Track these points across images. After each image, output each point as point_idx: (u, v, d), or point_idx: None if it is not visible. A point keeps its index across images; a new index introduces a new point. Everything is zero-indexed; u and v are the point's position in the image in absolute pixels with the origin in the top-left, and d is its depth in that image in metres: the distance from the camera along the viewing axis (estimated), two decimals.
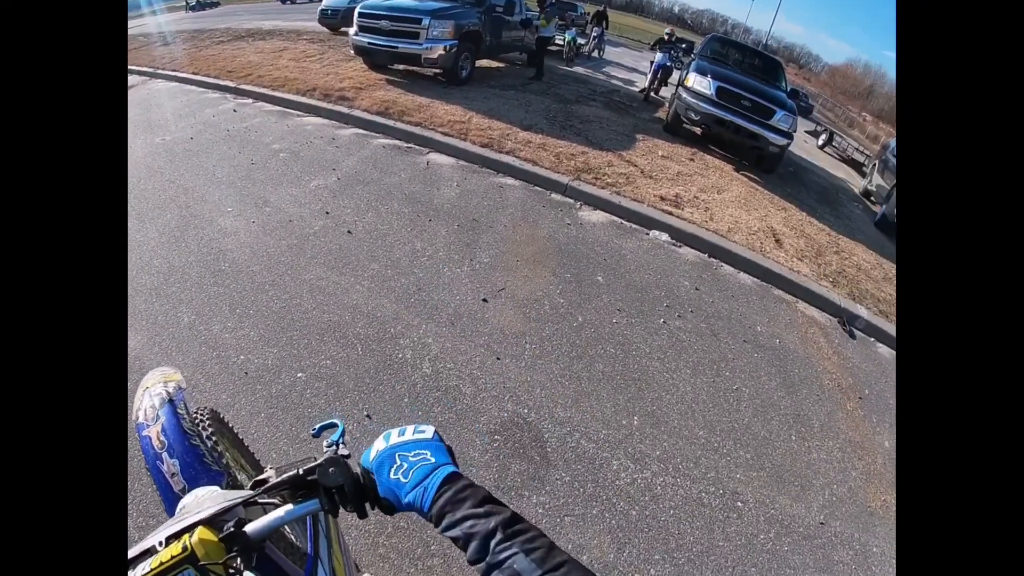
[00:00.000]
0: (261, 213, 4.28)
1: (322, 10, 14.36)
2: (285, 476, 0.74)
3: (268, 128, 6.24)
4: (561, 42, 13.64)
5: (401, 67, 8.30)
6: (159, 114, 7.17)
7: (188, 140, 5.93)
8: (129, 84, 9.14)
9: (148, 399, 1.26)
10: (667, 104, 10.16)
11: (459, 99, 7.28)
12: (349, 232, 4.03)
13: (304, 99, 6.83)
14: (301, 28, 13.53)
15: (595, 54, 16.77)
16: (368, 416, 2.56)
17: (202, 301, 3.29)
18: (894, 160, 8.79)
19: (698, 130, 7.91)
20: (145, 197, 4.68)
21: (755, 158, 7.77)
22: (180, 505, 0.98)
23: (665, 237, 4.97)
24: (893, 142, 10.88)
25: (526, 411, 2.76)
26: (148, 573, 0.64)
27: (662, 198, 5.46)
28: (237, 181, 4.84)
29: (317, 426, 0.90)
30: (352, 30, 7.96)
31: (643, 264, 4.38)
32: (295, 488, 0.75)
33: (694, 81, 7.53)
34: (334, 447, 0.78)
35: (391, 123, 6.07)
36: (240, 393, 2.65)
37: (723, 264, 4.78)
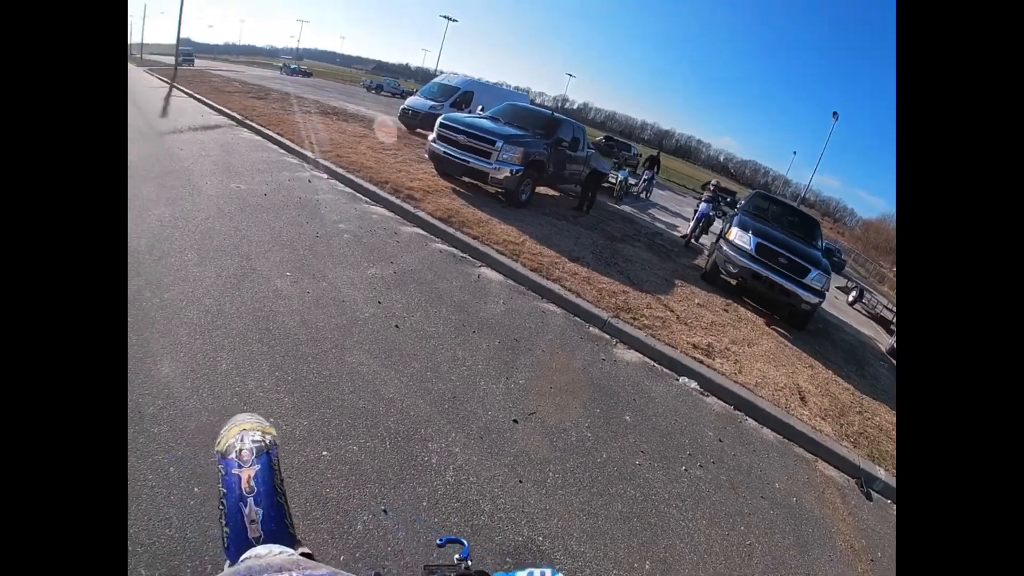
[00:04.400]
0: (317, 286, 4.53)
1: (404, 109, 15.75)
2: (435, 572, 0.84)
3: (337, 206, 6.72)
4: (614, 180, 14.56)
5: (467, 180, 8.96)
6: (239, 162, 7.81)
7: (262, 195, 6.41)
8: (217, 125, 10.00)
9: (248, 441, 1.27)
10: (706, 252, 10.75)
11: (515, 221, 7.78)
12: (397, 327, 4.23)
13: (375, 188, 7.40)
14: (383, 121, 14.82)
15: (643, 195, 17.74)
16: (385, 511, 2.57)
17: (243, 354, 3.41)
18: None
19: (734, 281, 8.21)
20: (210, 236, 5.00)
21: (787, 313, 7.95)
22: (252, 552, 1.01)
23: (694, 385, 5.04)
24: None
25: (541, 539, 2.74)
26: None
27: (695, 346, 5.59)
28: (300, 249, 5.17)
29: (444, 538, 1.00)
30: (431, 136, 8.75)
31: (671, 409, 4.43)
32: None
33: (735, 235, 7.94)
34: (465, 561, 0.90)
35: (451, 231, 6.50)
36: None
37: (747, 418, 4.79)
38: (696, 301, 7.15)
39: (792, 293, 7.53)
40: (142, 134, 8.70)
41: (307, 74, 43.09)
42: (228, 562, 1.11)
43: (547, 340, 4.87)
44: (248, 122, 10.23)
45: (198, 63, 23.85)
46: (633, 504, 3.20)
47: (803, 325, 7.96)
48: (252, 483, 1.18)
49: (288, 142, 9.23)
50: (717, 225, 12.05)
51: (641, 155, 23.70)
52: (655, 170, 17.59)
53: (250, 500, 1.15)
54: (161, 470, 2.47)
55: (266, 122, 10.34)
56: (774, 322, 7.75)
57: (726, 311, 7.29)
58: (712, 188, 12.48)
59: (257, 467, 1.21)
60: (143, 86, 14.32)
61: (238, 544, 1.10)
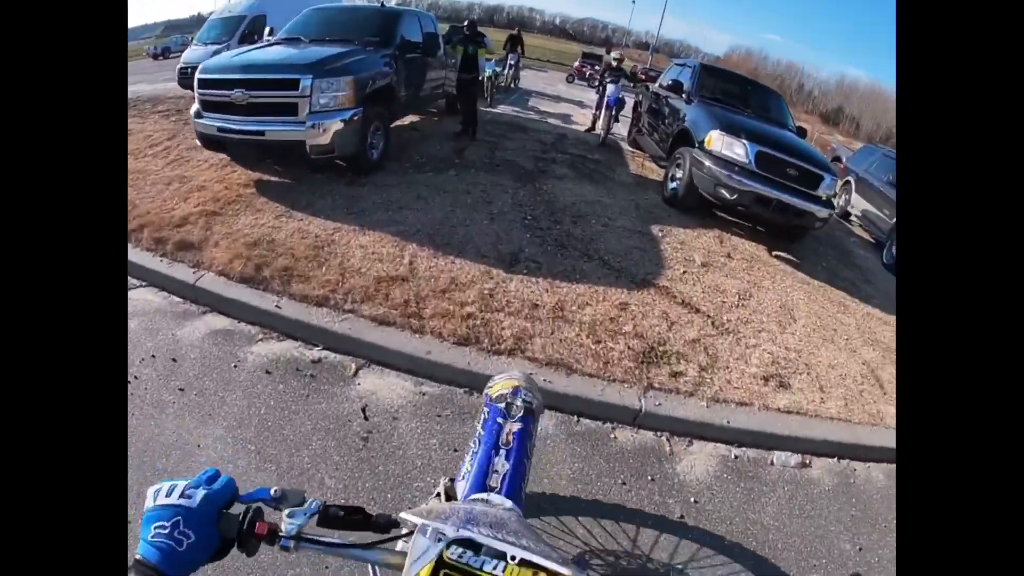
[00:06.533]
0: None
1: (180, 69, 10.83)
2: None
3: None
4: (481, 78, 11.20)
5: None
6: None
7: None
8: None
9: (520, 398, 1.32)
10: (624, 142, 9.29)
11: (378, 207, 4.52)
12: None
13: (132, 253, 3.80)
14: (163, 93, 9.85)
15: (512, 84, 14.51)
16: None
17: None
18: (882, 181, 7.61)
19: (718, 201, 5.65)
20: None
21: (785, 231, 5.78)
22: (483, 496, 1.09)
23: (794, 460, 2.94)
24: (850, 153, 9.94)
25: None
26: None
27: (765, 379, 3.31)
28: None
29: None
30: (194, 107, 4.99)
31: (796, 542, 2.39)
32: None
33: (721, 143, 5.25)
34: None
35: (273, 307, 3.19)
36: None
37: (855, 468, 3.03)
38: (698, 261, 4.60)
39: (806, 213, 5.31)
40: None
41: None
42: (454, 487, 1.22)
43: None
44: None
45: None
46: None
47: (801, 236, 6.00)
48: (510, 438, 1.23)
49: None
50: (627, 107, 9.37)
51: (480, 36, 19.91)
52: (519, 51, 14.21)
53: (502, 452, 1.20)
54: None
55: None
56: (775, 246, 5.60)
57: (730, 257, 4.95)
58: (616, 62, 9.52)
59: (519, 425, 1.26)
60: None
61: (475, 484, 1.14)
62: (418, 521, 0.72)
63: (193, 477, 0.73)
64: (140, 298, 3.52)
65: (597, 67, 24.82)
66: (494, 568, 0.68)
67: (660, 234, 4.98)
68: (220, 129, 4.67)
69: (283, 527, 0.73)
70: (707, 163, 5.27)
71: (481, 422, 1.30)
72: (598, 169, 6.97)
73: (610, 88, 8.65)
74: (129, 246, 3.84)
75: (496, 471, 1.16)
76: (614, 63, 9.48)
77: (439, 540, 0.69)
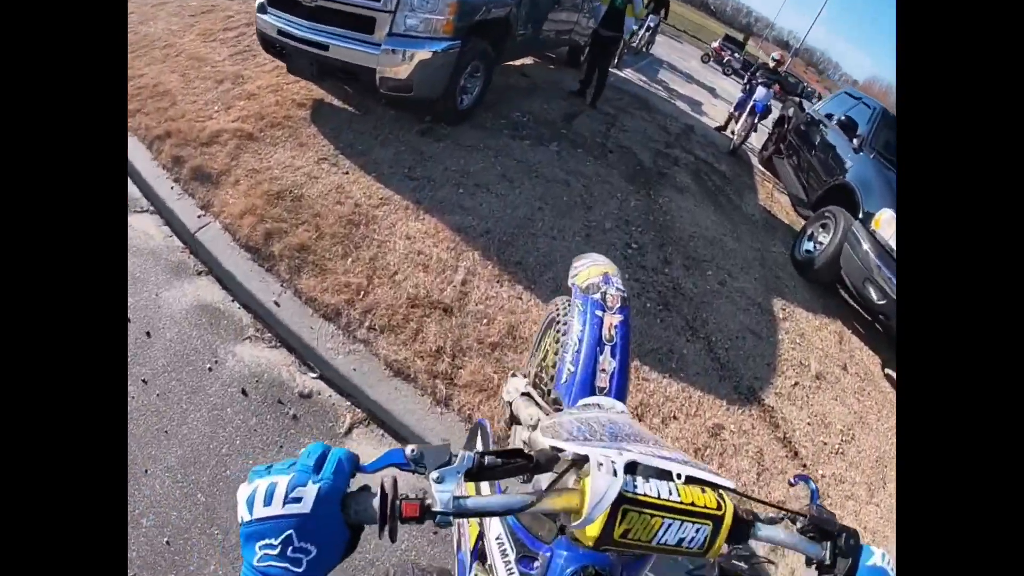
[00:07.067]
0: None
1: None
2: (819, 514, 0.67)
3: None
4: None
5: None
6: None
7: None
8: None
9: (613, 286, 1.20)
10: (753, 157, 7.95)
11: (449, 178, 3.59)
12: None
13: (148, 167, 3.05)
14: None
15: (644, 48, 12.93)
16: None
17: None
18: None
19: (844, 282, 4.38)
20: None
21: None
22: (595, 401, 0.92)
23: None
24: None
25: None
26: (673, 503, 0.57)
27: None
28: None
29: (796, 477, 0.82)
30: None
31: None
32: (811, 521, 0.67)
33: (892, 232, 3.92)
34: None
35: (271, 300, 2.37)
36: None
37: None
38: (812, 369, 3.46)
39: None
40: None
41: None
42: (557, 392, 1.10)
43: None
44: None
45: None
46: None
47: None
48: (613, 332, 1.11)
49: None
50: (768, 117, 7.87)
51: None
52: (662, 15, 12.51)
53: (607, 349, 1.09)
54: None
55: None
56: (889, 359, 4.17)
57: (845, 370, 3.71)
58: (775, 63, 7.99)
59: (620, 317, 1.15)
60: None
61: (582, 387, 1.05)
62: (581, 450, 0.57)
63: (293, 462, 0.52)
64: (140, 229, 2.82)
65: (737, 54, 22.55)
66: (669, 494, 0.56)
67: (780, 314, 3.86)
68: (280, 31, 3.71)
69: (436, 497, 0.53)
70: (865, 246, 3.98)
71: (577, 315, 1.15)
72: (724, 188, 5.75)
73: (760, 91, 7.25)
74: (148, 156, 3.13)
75: (603, 370, 1.06)
76: (772, 63, 7.95)
77: (614, 473, 0.53)
